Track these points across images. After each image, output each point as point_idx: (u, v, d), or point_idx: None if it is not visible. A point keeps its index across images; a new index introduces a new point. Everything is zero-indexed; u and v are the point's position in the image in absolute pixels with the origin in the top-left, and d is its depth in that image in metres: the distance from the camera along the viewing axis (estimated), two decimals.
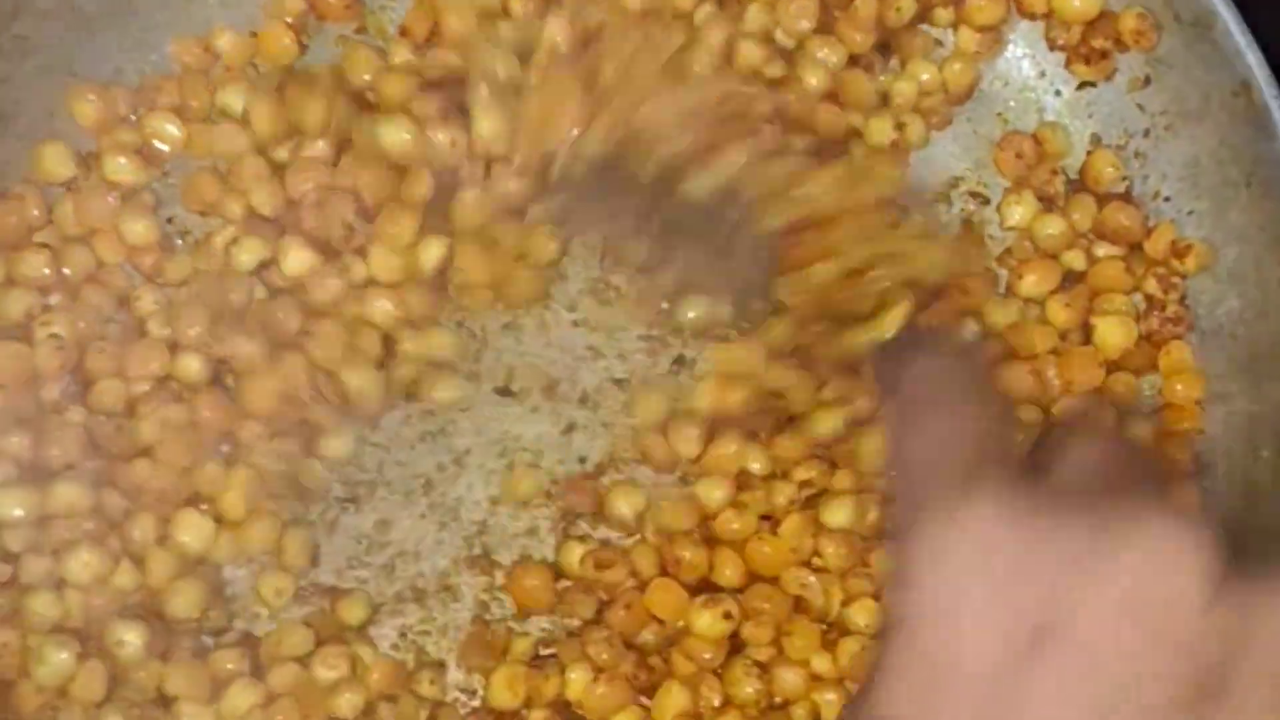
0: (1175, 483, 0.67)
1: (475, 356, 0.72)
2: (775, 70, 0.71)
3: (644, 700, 0.68)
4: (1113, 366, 0.72)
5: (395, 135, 0.68)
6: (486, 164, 0.68)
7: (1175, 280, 0.72)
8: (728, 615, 0.67)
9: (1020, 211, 0.73)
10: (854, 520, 0.68)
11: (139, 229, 0.70)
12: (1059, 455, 0.47)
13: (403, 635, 0.70)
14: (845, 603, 0.69)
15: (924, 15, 0.74)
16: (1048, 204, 0.74)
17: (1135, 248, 0.73)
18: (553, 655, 0.69)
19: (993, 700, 0.42)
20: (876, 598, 0.68)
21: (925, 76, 0.74)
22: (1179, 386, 0.71)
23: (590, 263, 0.73)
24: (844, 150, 0.72)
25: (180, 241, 0.72)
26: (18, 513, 0.65)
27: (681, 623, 0.68)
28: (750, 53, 0.71)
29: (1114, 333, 0.72)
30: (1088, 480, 0.46)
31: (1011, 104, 0.76)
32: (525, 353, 0.72)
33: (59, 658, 0.64)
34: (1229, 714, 0.42)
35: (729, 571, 0.68)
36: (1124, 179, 0.74)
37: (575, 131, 0.66)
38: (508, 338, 0.72)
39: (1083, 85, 0.75)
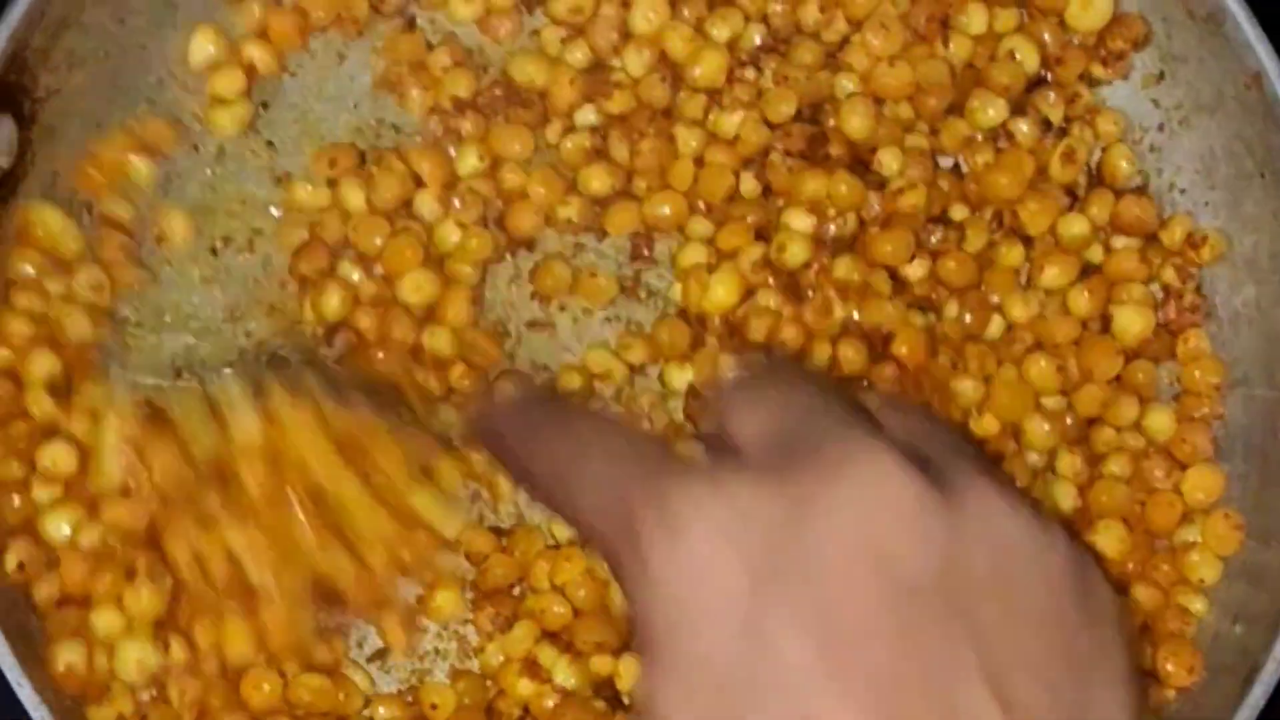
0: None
1: None
2: None
3: None
4: (1131, 354, 0.74)
5: None
6: None
7: (1191, 270, 0.74)
8: None
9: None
10: None
11: None
12: (733, 427, 0.48)
13: None
14: None
15: None
16: (1070, 201, 0.75)
17: (1151, 239, 0.75)
18: None
19: (738, 671, 0.43)
20: None
21: None
22: (1197, 373, 0.73)
23: None
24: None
25: None
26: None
27: None
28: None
29: (1132, 321, 0.73)
30: (770, 438, 0.46)
31: None
32: None
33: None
34: (960, 625, 0.43)
35: None
36: (1139, 173, 0.76)
37: None
38: None
39: (1095, 84, 0.76)
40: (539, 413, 0.54)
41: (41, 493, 0.68)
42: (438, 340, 0.72)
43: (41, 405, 0.69)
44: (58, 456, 0.68)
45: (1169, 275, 0.74)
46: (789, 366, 0.69)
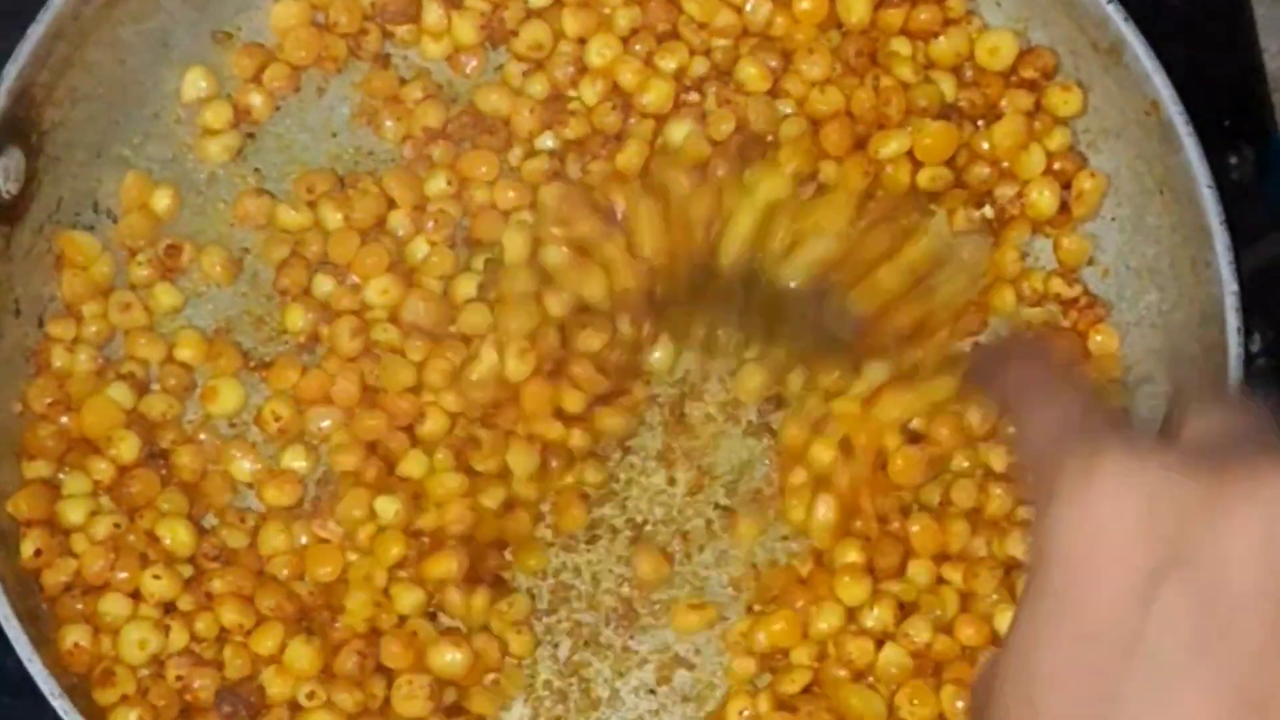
0: None
1: None
2: None
3: None
4: None
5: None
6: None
7: (1074, 278, 0.81)
8: None
9: None
10: None
11: None
12: (1185, 424, 0.49)
13: None
14: None
15: None
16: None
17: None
18: None
19: (1116, 631, 0.44)
20: None
21: None
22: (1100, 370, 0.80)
23: None
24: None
25: None
26: None
27: None
28: None
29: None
30: (1212, 443, 0.47)
31: None
32: None
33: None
34: None
35: None
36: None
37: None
38: None
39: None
40: (1019, 355, 0.56)
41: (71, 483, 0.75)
42: None
43: None
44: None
45: (1058, 286, 0.80)
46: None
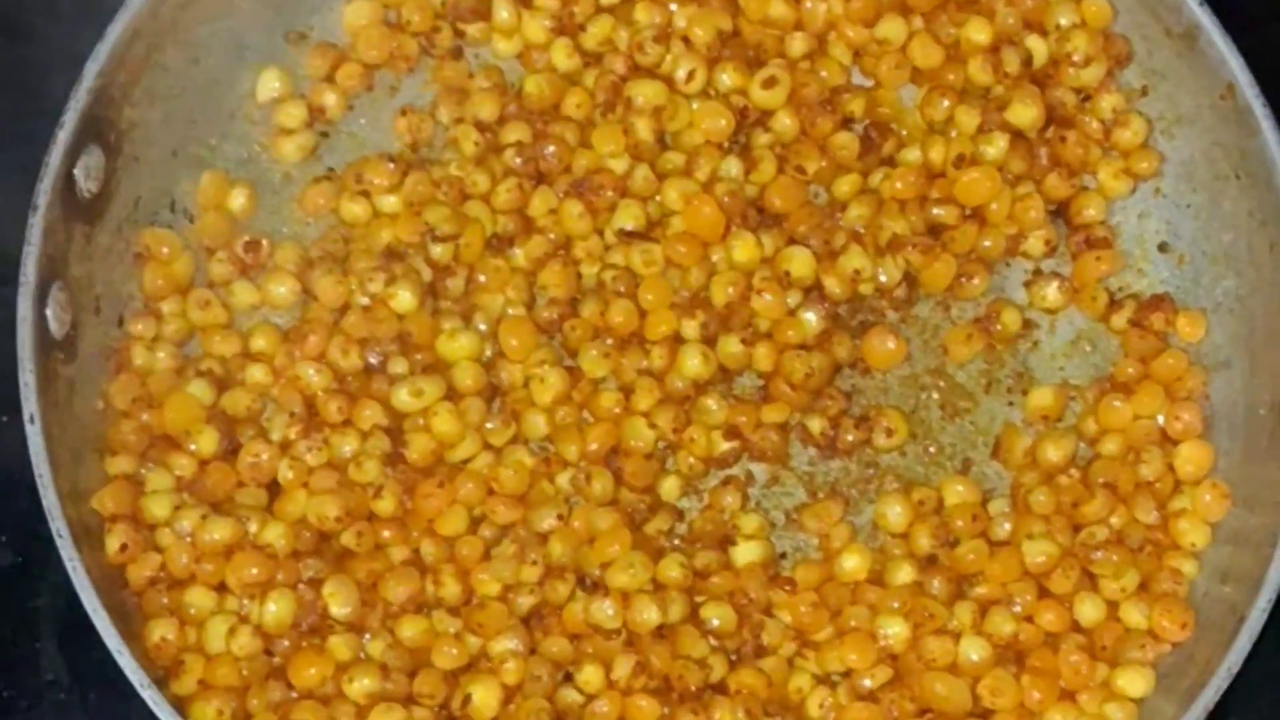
0: None
1: None
2: None
3: None
4: None
5: None
6: None
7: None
8: None
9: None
10: None
11: None
12: None
13: None
14: None
15: None
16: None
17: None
18: None
19: None
20: None
21: None
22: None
23: None
24: None
25: None
26: None
27: None
28: None
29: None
30: None
31: None
32: None
33: None
34: None
35: None
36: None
37: None
38: None
39: (1086, 98, 0.83)
40: None
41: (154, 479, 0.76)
42: None
43: None
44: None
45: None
46: None
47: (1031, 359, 0.81)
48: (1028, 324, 0.81)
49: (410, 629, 0.75)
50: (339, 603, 0.75)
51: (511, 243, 0.80)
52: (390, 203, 0.81)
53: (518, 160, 0.81)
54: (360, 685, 0.74)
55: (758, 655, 0.76)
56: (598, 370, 0.79)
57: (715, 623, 0.76)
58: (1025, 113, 0.81)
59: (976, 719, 0.75)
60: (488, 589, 0.76)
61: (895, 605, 0.76)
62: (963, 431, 0.80)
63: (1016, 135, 0.81)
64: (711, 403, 0.79)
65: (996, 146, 0.80)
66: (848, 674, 0.76)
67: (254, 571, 0.75)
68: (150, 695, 0.70)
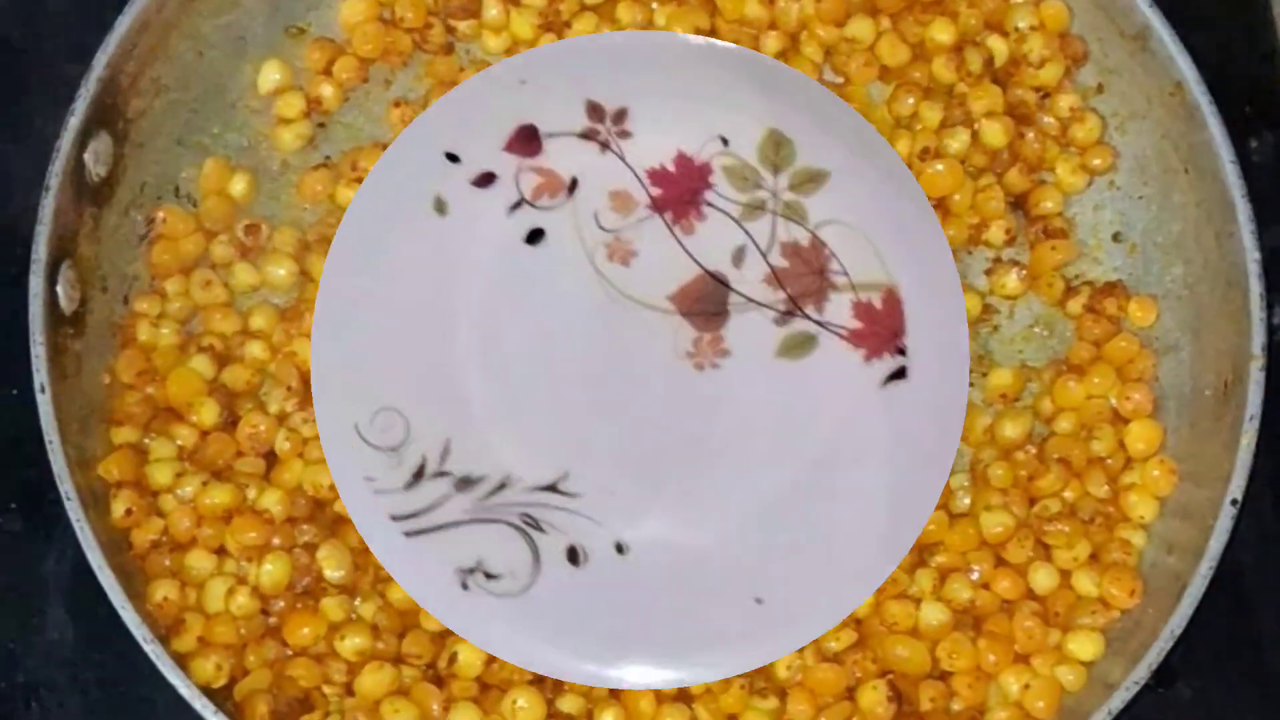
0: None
1: None
2: None
3: None
4: None
5: None
6: None
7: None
8: None
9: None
10: None
11: None
12: None
13: None
14: None
15: None
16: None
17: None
18: None
19: None
20: None
21: None
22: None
23: None
24: None
25: None
26: None
27: None
28: None
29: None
30: None
31: None
32: None
33: None
34: None
35: None
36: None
37: None
38: None
39: (1045, 95, 0.87)
40: None
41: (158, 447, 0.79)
42: None
43: None
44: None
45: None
46: None
47: (992, 342, 0.85)
48: (988, 309, 0.85)
49: (400, 592, 0.78)
50: (332, 566, 0.79)
51: None
52: None
53: None
54: (351, 644, 0.77)
55: None
56: None
57: None
58: (995, 134, 0.85)
59: (935, 680, 0.79)
60: None
61: None
62: None
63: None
64: None
65: (959, 140, 0.85)
66: None
67: (252, 535, 0.78)
68: (153, 649, 0.73)
